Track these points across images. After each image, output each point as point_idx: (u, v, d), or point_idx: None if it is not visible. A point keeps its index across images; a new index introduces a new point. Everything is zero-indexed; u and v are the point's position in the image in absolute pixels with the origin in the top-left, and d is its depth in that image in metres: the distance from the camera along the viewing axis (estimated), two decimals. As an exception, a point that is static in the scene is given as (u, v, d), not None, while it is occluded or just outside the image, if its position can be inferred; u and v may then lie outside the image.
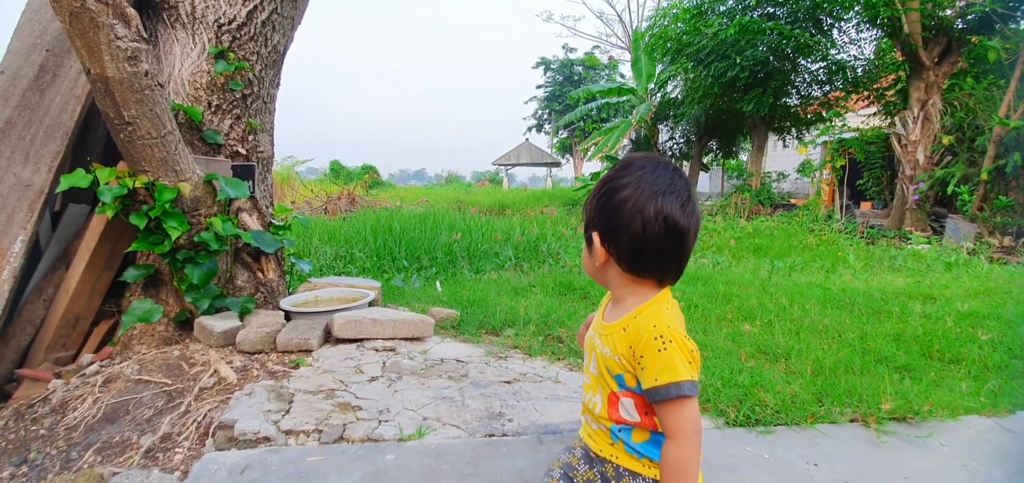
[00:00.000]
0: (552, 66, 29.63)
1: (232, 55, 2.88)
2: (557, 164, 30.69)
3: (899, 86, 9.75)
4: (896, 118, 8.87)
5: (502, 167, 31.03)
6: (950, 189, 7.47)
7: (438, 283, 4.39)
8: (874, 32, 10.77)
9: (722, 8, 12.10)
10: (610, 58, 28.75)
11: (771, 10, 11.36)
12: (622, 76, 26.10)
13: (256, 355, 2.57)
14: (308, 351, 2.55)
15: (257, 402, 1.93)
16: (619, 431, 1.05)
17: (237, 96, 2.94)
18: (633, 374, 0.99)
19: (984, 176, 6.84)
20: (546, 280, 4.14)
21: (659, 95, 16.17)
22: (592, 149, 17.57)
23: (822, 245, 6.73)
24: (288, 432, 1.74)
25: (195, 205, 2.58)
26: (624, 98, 17.44)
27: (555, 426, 1.84)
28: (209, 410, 2.10)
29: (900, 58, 9.55)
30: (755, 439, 1.71)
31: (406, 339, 2.78)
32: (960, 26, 8.15)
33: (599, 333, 1.08)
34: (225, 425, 1.82)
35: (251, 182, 2.99)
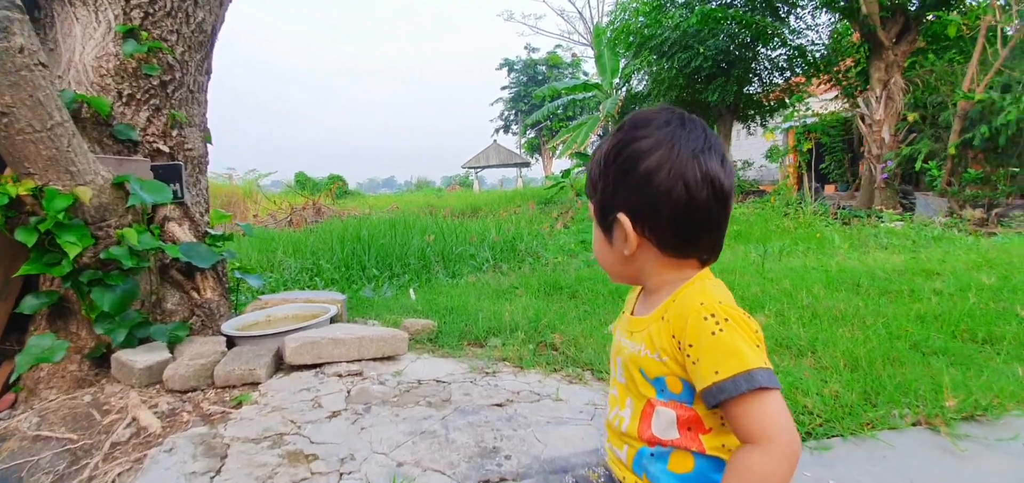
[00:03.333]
0: (516, 67, 29.48)
1: (145, 34, 2.40)
2: (527, 164, 30.54)
3: (859, 68, 9.91)
4: (859, 98, 8.97)
5: (472, 170, 30.65)
6: (918, 165, 7.55)
7: (412, 291, 3.97)
8: (831, 16, 10.95)
9: (681, 0, 12.14)
10: (573, 55, 28.78)
11: (727, 1, 11.42)
12: (585, 74, 26.14)
13: (189, 394, 2.10)
14: (254, 384, 2.11)
15: (179, 460, 1.49)
16: (650, 457, 0.81)
17: (154, 83, 2.46)
18: (679, 374, 0.77)
19: (952, 150, 6.91)
20: (529, 280, 3.78)
21: (624, 89, 16.16)
22: (561, 147, 17.41)
23: (800, 228, 6.65)
24: (218, 501, 1.32)
25: (101, 214, 2.09)
26: (590, 94, 17.38)
27: (564, 460, 1.48)
28: (119, 474, 1.63)
29: (857, 40, 9.70)
30: (811, 458, 1.40)
31: (375, 359, 2.36)
32: (915, 5, 8.29)
33: (627, 331, 0.86)
34: (134, 497, 1.37)
35: (177, 185, 2.51)
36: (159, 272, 2.48)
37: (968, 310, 2.46)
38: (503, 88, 30.35)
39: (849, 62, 10.92)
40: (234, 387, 2.10)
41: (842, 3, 8.92)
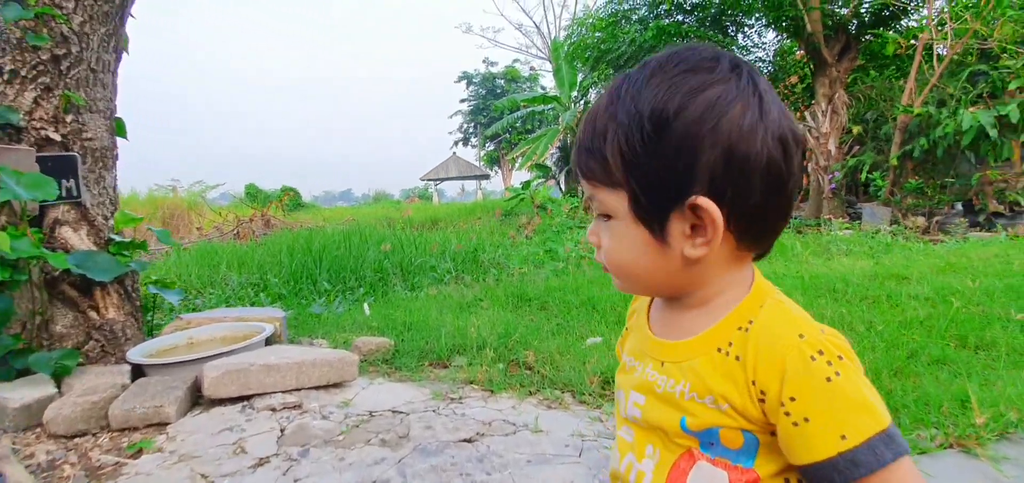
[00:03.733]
0: (474, 80, 29.47)
1: (32, -2, 1.97)
2: (486, 176, 30.41)
3: (805, 84, 10.37)
4: (806, 113, 9.34)
5: (431, 182, 30.19)
6: (863, 176, 7.87)
7: (366, 305, 3.59)
8: (777, 35, 11.46)
9: (635, 17, 12.45)
10: (532, 69, 29.05)
11: (680, 19, 11.78)
12: (543, 88, 26.39)
13: (76, 440, 1.67)
14: (162, 425, 1.70)
15: (34, 543, 1.10)
16: None
17: (44, 57, 2.02)
18: (745, 427, 0.54)
19: (894, 162, 7.24)
20: (495, 292, 3.50)
21: (582, 102, 16.36)
22: (520, 158, 17.35)
23: (759, 236, 6.73)
24: None
25: (-44, 214, 1.65)
26: (549, 106, 17.49)
27: (554, 510, 1.20)
28: (-45, 560, 1.21)
29: (801, 57, 10.15)
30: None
31: (319, 388, 2.00)
32: (855, 25, 8.75)
33: (653, 358, 0.61)
34: None
35: (72, 181, 2.06)
36: (46, 287, 2.02)
37: (952, 316, 2.39)
38: (462, 101, 30.29)
39: (795, 79, 11.43)
40: (135, 430, 1.68)
41: (787, 22, 9.30)
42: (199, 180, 14.39)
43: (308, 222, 12.17)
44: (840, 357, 0.48)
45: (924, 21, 7.55)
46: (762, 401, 0.51)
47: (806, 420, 0.48)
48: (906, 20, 8.39)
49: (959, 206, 7.06)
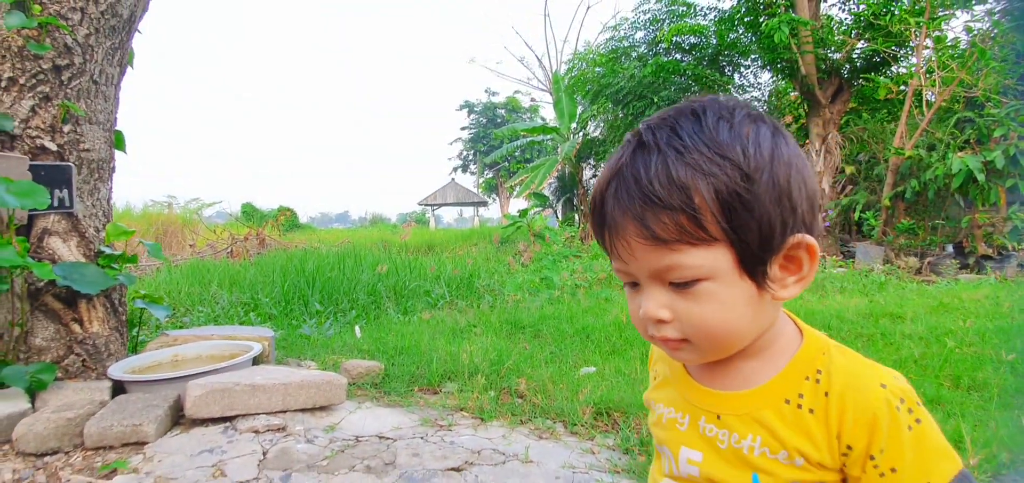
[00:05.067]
0: (475, 109, 29.94)
1: (38, 7, 1.98)
2: (484, 203, 30.57)
3: (799, 123, 10.56)
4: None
5: (428, 207, 30.29)
6: (857, 216, 7.95)
7: (357, 328, 3.54)
8: (772, 76, 11.75)
9: (635, 54, 12.78)
10: (532, 100, 29.56)
11: (678, 57, 12.09)
12: (543, 119, 26.82)
13: (47, 458, 1.61)
14: (139, 444, 1.64)
15: (-7, 566, 1.04)
16: None
17: (45, 66, 2.02)
18: (828, 481, 0.51)
19: (886, 202, 7.32)
20: (489, 318, 3.46)
21: (581, 134, 16.60)
22: (518, 187, 17.48)
23: (754, 272, 6.75)
24: None
25: (-59, 219, 1.62)
26: (548, 137, 17.72)
27: (543, 545, 1.15)
28: (-92, 582, 1.15)
29: (795, 98, 10.37)
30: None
31: (305, 410, 1.94)
32: (848, 69, 8.99)
33: (711, 409, 0.57)
34: None
35: (65, 191, 2.05)
36: (29, 297, 1.97)
37: (945, 356, 2.38)
38: (462, 128, 30.68)
39: (789, 119, 11.68)
40: (111, 449, 1.62)
41: (782, 64, 9.55)
42: (195, 197, 14.39)
43: (303, 243, 12.12)
44: (918, 403, 0.49)
45: (913, 68, 7.76)
46: (845, 455, 0.49)
47: (893, 470, 0.47)
48: (896, 67, 8.63)
49: (950, 247, 7.13)
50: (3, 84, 2.00)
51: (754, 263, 0.50)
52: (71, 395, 1.80)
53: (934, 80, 6.92)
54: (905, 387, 0.49)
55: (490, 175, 28.74)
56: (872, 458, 0.48)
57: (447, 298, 4.68)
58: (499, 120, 28.99)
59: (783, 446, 0.51)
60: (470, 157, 30.54)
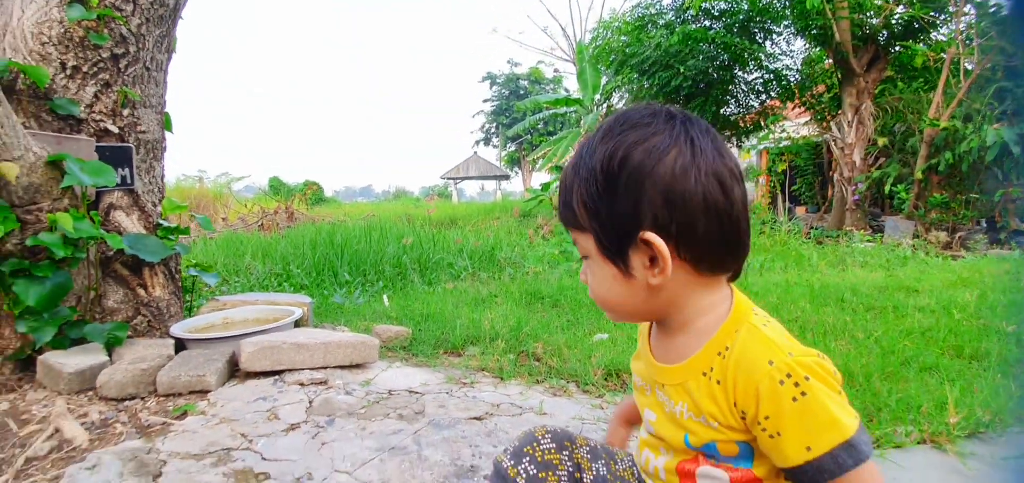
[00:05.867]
0: (498, 80, 29.66)
1: (95, 0, 2.18)
2: (506, 177, 30.59)
3: (832, 93, 10.22)
4: (832, 123, 9.23)
5: (451, 181, 30.49)
6: (887, 189, 7.76)
7: (385, 297, 3.76)
8: (805, 43, 11.30)
9: (662, 21, 12.37)
10: (555, 71, 29.12)
11: (707, 24, 11.68)
12: (567, 90, 26.42)
13: (126, 402, 1.87)
14: (203, 392, 1.88)
15: (102, 481, 1.27)
16: None
17: (104, 55, 2.23)
18: (738, 438, 0.64)
19: (918, 175, 7.13)
20: (510, 289, 3.63)
21: (605, 106, 16.33)
22: (541, 160, 17.42)
23: (776, 246, 6.72)
24: (144, 529, 1.11)
25: (31, 196, 1.85)
26: (571, 109, 17.50)
27: (551, 480, 1.33)
28: (32, 494, 1.40)
29: (829, 67, 10.00)
30: (819, 479, 1.28)
31: (342, 367, 2.17)
32: (885, 36, 8.61)
33: (658, 380, 0.71)
34: (42, 523, 1.15)
35: (127, 170, 2.28)
36: (100, 265, 2.23)
37: (952, 327, 2.43)
38: (485, 101, 30.52)
39: (822, 88, 11.27)
40: (179, 395, 1.87)
41: (816, 31, 9.19)
42: (225, 171, 14.87)
43: (330, 216, 12.51)
44: (806, 378, 0.56)
45: (952, 35, 7.41)
46: (743, 418, 0.60)
47: (779, 434, 0.57)
48: (935, 33, 8.23)
49: (983, 223, 6.93)
50: (68, 72, 2.22)
51: (610, 251, 0.64)
52: (142, 350, 2.05)
53: (973, 49, 6.62)
54: (793, 364, 0.57)
55: (512, 148, 28.67)
56: (759, 423, 0.58)
57: (470, 270, 4.87)
58: (522, 92, 28.69)
59: (701, 411, 0.63)
60: (492, 130, 30.43)
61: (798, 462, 0.56)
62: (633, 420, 0.94)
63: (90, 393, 1.93)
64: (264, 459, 1.40)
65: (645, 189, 0.60)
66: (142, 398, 1.89)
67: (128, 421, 1.76)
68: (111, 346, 2.06)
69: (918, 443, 1.44)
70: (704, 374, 0.63)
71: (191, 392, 1.88)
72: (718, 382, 0.62)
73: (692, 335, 0.66)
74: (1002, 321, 2.46)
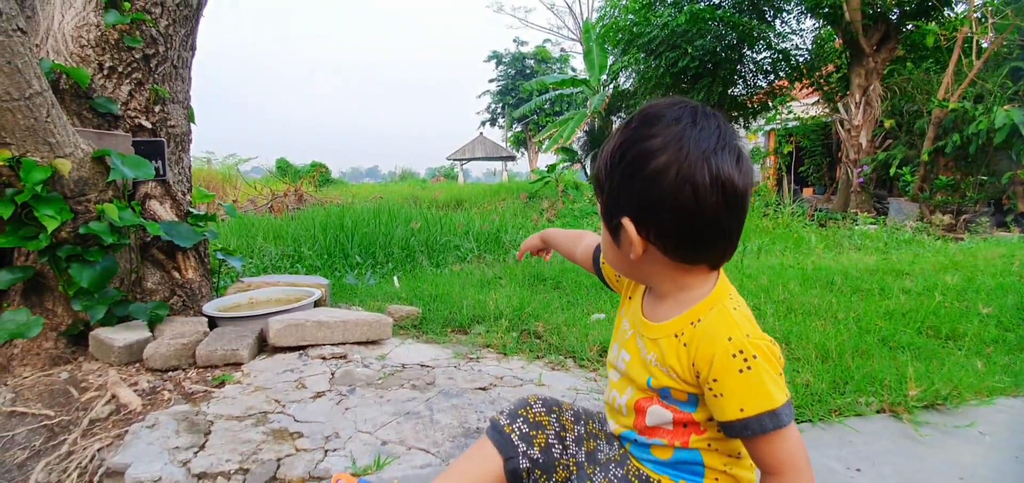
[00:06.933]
0: (504, 60, 29.35)
1: (127, 4, 2.35)
2: (512, 158, 30.52)
3: (840, 73, 10.13)
4: (840, 104, 9.18)
5: (457, 162, 30.50)
6: (892, 171, 7.77)
7: (396, 278, 3.97)
8: (815, 22, 11.16)
9: (669, 0, 12.21)
10: (562, 50, 28.81)
11: (716, 2, 11.54)
12: (573, 69, 26.16)
13: (169, 373, 2.09)
14: (237, 364, 2.10)
15: (161, 436, 1.49)
16: (634, 442, 0.88)
17: (137, 56, 2.41)
18: (689, 390, 0.80)
19: (925, 157, 7.14)
20: (514, 271, 3.81)
21: (611, 86, 16.21)
22: (547, 141, 17.42)
23: (778, 228, 6.80)
24: (201, 476, 1.32)
25: (81, 188, 2.05)
26: (577, 89, 17.39)
27: (547, 440, 1.52)
28: (99, 449, 1.62)
29: (839, 46, 9.90)
30: (782, 441, 1.45)
31: (359, 343, 2.37)
32: (896, 14, 8.50)
33: (640, 331, 0.86)
34: (115, 471, 1.37)
35: (160, 162, 2.47)
36: (139, 250, 2.44)
37: (934, 308, 2.57)
38: (491, 81, 30.24)
39: (830, 68, 11.16)
40: (216, 367, 2.09)
41: (826, 9, 9.10)
42: (232, 153, 14.94)
43: (337, 198, 12.70)
44: (755, 357, 0.70)
45: (965, 13, 7.33)
46: (698, 377, 0.76)
47: (722, 395, 0.72)
48: (949, 11, 8.11)
49: (991, 205, 6.95)
50: (106, 72, 2.39)
51: (606, 221, 0.80)
52: (180, 327, 2.27)
53: (987, 27, 6.56)
54: (747, 343, 0.70)
55: (519, 129, 28.54)
56: (708, 383, 0.74)
57: (476, 252, 5.05)
58: (528, 72, 28.43)
59: (666, 363, 0.79)
60: (498, 110, 30.25)
61: (731, 418, 0.72)
62: (552, 248, 1.33)
63: (137, 365, 2.15)
64: (297, 421, 1.61)
65: (633, 182, 0.73)
66: (183, 369, 2.11)
67: (174, 389, 1.98)
68: (153, 323, 2.28)
69: (877, 412, 1.61)
70: (676, 335, 0.78)
71: (226, 364, 2.09)
72: (685, 345, 0.77)
73: (673, 305, 0.81)
74: (981, 304, 2.59)
